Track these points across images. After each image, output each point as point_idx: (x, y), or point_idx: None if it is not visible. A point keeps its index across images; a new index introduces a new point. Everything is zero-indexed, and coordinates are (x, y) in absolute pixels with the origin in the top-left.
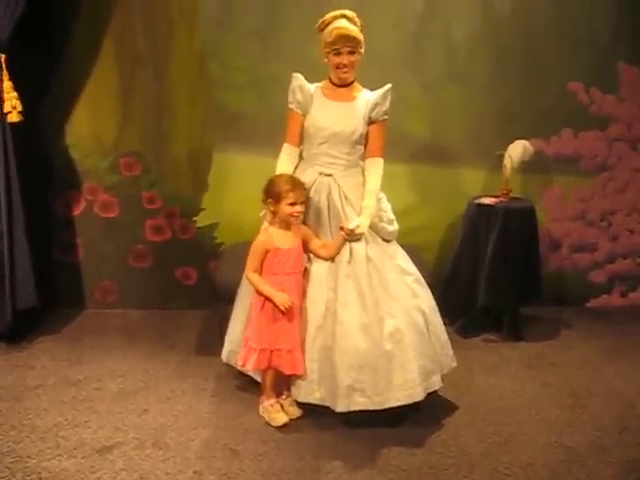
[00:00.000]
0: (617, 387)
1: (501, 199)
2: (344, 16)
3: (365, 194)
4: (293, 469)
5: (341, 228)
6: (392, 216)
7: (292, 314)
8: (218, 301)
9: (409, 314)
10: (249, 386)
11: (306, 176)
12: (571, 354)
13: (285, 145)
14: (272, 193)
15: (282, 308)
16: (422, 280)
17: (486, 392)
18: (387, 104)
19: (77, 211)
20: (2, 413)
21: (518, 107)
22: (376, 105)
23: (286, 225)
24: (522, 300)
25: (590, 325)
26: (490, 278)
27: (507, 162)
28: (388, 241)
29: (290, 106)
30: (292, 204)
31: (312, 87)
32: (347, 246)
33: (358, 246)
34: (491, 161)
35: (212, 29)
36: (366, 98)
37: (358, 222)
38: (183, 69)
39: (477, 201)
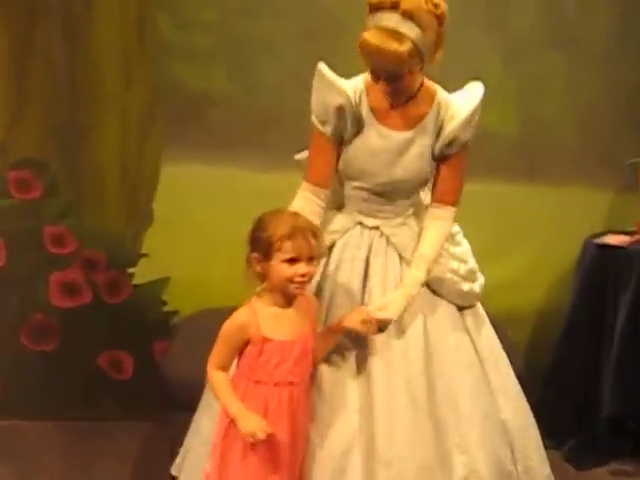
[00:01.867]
0: None
1: (639, 238)
2: (396, 5)
3: (414, 259)
4: None
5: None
6: (472, 264)
7: (274, 454)
8: (168, 406)
9: (492, 444)
10: None
11: (339, 223)
12: None
13: (305, 186)
14: (259, 242)
15: (248, 440)
16: (514, 380)
17: None
18: (472, 130)
19: None
20: None
21: None
22: (454, 138)
23: (284, 299)
24: None
25: None
26: (621, 372)
27: None
28: (463, 308)
29: (320, 128)
30: (291, 261)
31: (354, 94)
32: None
33: (413, 341)
34: (620, 174)
35: None
36: (441, 116)
37: (384, 302)
38: (112, 28)
39: (598, 241)
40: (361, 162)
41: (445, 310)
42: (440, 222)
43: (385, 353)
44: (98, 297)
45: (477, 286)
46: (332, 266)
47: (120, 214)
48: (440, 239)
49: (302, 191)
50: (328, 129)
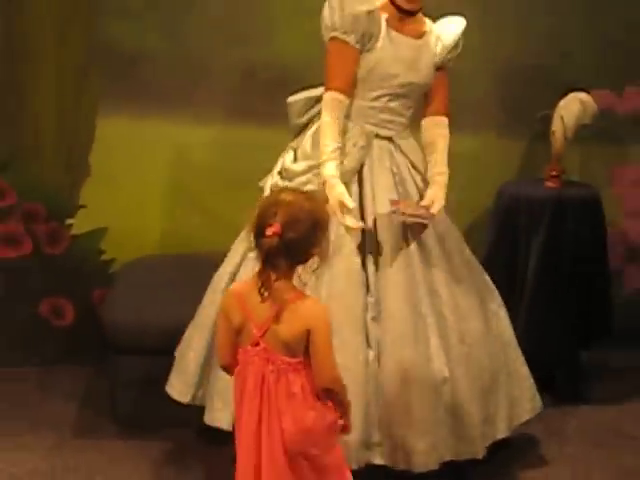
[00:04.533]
0: None
1: (549, 184)
2: None
3: (437, 161)
4: None
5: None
6: None
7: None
8: (106, 351)
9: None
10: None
11: (349, 138)
12: None
13: (332, 95)
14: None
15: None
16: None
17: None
18: (460, 47)
19: None
20: None
21: (573, 39)
22: (452, 48)
23: None
24: (583, 342)
25: None
26: (532, 311)
27: (557, 127)
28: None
29: (342, 37)
30: None
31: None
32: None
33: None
34: (532, 125)
35: None
36: (436, 34)
37: (432, 197)
38: None
39: (511, 189)
40: (385, 66)
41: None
42: (443, 132)
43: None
44: (38, 247)
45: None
46: (366, 171)
47: (58, 167)
48: (446, 147)
49: (332, 101)
50: (352, 38)
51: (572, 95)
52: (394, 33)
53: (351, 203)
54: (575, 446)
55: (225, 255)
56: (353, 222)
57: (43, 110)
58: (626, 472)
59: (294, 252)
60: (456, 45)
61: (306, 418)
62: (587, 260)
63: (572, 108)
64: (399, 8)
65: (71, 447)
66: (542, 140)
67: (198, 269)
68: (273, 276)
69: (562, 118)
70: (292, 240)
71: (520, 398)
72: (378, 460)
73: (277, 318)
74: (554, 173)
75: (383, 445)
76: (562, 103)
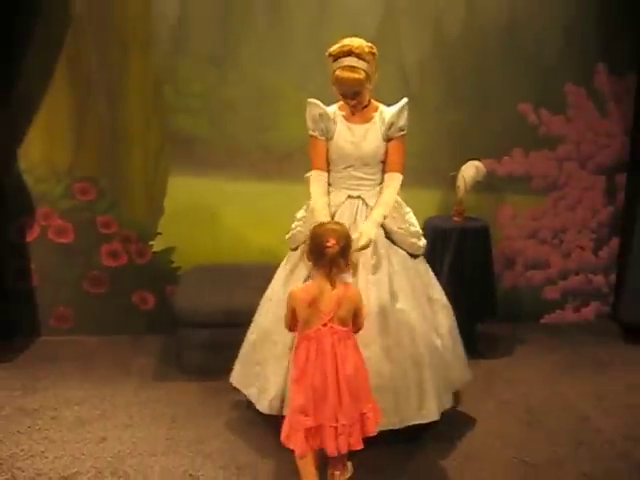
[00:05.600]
0: (572, 401)
1: (456, 219)
2: (350, 52)
3: (376, 204)
4: None
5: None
6: (419, 230)
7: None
8: (175, 325)
9: (428, 337)
10: (209, 411)
11: (334, 199)
12: (527, 370)
13: (314, 172)
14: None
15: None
16: (445, 301)
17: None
18: (403, 120)
19: (31, 237)
20: None
21: (470, 128)
22: (392, 124)
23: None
24: (478, 318)
25: (544, 341)
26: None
27: (460, 183)
28: (416, 257)
29: (312, 134)
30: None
31: (330, 110)
32: (368, 266)
33: (383, 263)
34: (445, 182)
35: (166, 54)
36: (383, 116)
37: (360, 230)
38: (137, 94)
39: (431, 223)
40: (340, 147)
41: (403, 256)
42: (392, 183)
43: (367, 279)
44: (131, 259)
45: (421, 243)
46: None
47: (144, 208)
48: (393, 192)
49: (314, 175)
50: (317, 132)
51: (470, 162)
52: (347, 123)
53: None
54: (472, 384)
55: (255, 266)
56: (370, 233)
57: (134, 173)
58: (505, 402)
59: (345, 255)
60: (392, 123)
61: (358, 362)
62: (480, 267)
63: (470, 171)
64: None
65: (152, 387)
66: (453, 190)
67: (236, 274)
68: (334, 273)
69: (464, 177)
70: (343, 247)
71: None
72: None
73: (339, 305)
74: (458, 212)
75: None
76: (463, 167)
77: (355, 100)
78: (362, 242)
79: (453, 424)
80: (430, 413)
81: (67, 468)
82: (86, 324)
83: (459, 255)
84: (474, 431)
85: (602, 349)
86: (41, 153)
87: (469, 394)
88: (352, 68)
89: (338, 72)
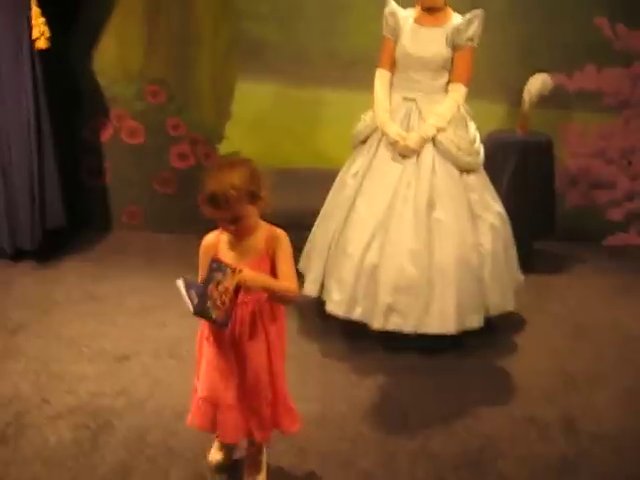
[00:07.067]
0: (623, 321)
1: (519, 133)
2: None
3: (435, 112)
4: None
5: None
6: (477, 146)
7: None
8: None
9: (461, 251)
10: None
11: (392, 100)
12: (582, 288)
13: (379, 70)
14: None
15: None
16: (502, 218)
17: (492, 319)
18: (472, 30)
19: (105, 137)
20: (30, 323)
21: (539, 40)
22: (458, 31)
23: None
24: (535, 234)
25: (604, 262)
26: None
27: (526, 96)
28: (468, 172)
29: (384, 33)
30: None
31: (405, 13)
32: (411, 170)
33: (423, 173)
34: (511, 95)
35: None
36: (453, 23)
37: (405, 135)
38: (206, 2)
39: (493, 136)
40: (404, 47)
41: (450, 170)
42: (452, 94)
43: (403, 183)
44: (199, 161)
45: (478, 159)
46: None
47: (212, 112)
48: (451, 103)
49: (378, 73)
50: (386, 32)
51: (537, 75)
52: (416, 25)
53: (404, 133)
54: (523, 296)
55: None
56: (413, 142)
57: (203, 77)
58: (554, 314)
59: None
60: (459, 30)
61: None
62: (541, 182)
63: (536, 84)
64: (422, 7)
65: None
66: (518, 105)
67: (288, 174)
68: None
69: (529, 90)
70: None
71: (494, 296)
72: None
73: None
74: (522, 127)
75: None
76: (530, 80)
77: None
78: (402, 143)
79: (498, 329)
80: (446, 325)
81: (128, 348)
82: (154, 222)
83: (521, 169)
84: (520, 340)
85: None
86: (114, 55)
87: (519, 304)
88: None
89: None
